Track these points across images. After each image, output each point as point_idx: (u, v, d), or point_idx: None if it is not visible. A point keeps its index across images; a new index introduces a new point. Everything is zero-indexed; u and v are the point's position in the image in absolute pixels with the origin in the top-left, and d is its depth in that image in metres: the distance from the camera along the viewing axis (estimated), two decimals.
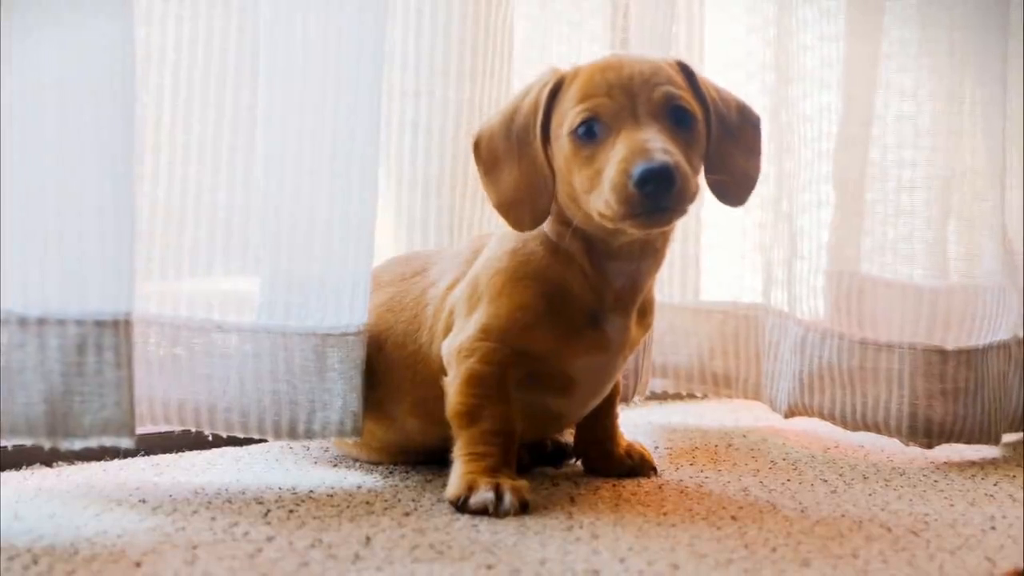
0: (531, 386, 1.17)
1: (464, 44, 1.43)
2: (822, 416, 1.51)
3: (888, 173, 1.52)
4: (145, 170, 1.21)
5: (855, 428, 1.49)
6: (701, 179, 1.15)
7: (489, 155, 1.17)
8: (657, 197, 1.03)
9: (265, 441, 1.36)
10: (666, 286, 1.67)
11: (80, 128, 1.03)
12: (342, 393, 1.20)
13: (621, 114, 1.08)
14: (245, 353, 1.19)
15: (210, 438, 1.30)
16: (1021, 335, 1.55)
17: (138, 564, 0.91)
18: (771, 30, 1.61)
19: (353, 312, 1.21)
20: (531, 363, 1.16)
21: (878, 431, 1.48)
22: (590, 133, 1.09)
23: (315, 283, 1.20)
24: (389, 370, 1.23)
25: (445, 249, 1.36)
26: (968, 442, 1.46)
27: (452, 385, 1.16)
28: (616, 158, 1.06)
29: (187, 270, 1.22)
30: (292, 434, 1.21)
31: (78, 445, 1.03)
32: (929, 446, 1.46)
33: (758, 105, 1.62)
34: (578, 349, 1.16)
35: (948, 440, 1.45)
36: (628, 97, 1.09)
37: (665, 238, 1.18)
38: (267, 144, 1.20)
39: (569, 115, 1.10)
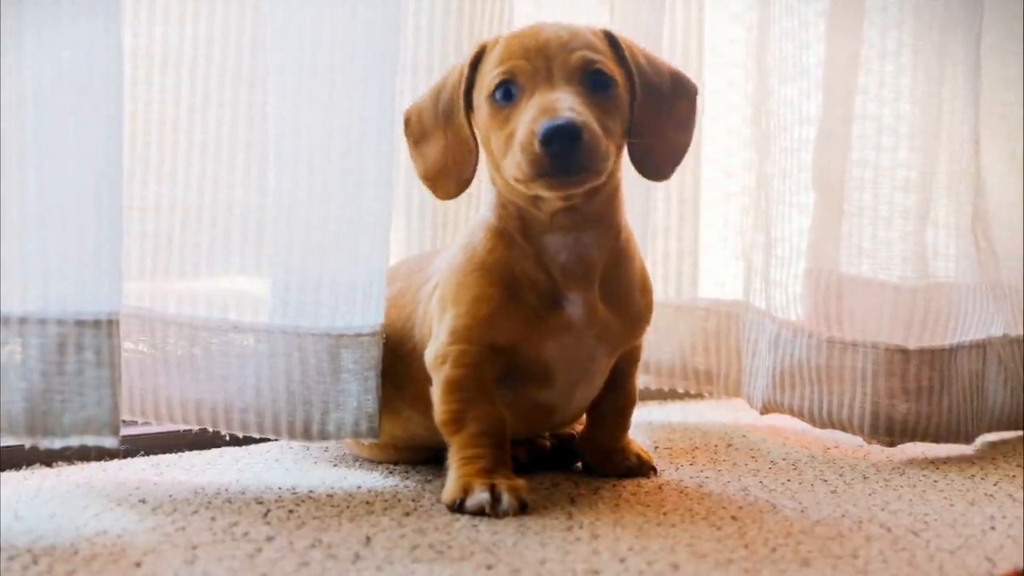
0: (512, 381, 1.17)
1: (447, 42, 1.43)
2: (792, 413, 1.52)
3: (864, 172, 1.52)
4: (163, 170, 1.22)
5: (823, 426, 1.49)
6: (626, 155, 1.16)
7: (419, 129, 1.20)
8: (563, 156, 1.04)
9: (268, 440, 1.36)
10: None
11: (63, 127, 1.03)
12: (356, 394, 1.20)
13: (536, 76, 1.10)
14: (261, 353, 1.20)
15: (212, 435, 1.30)
16: (1012, 334, 1.55)
17: (138, 564, 0.91)
18: (755, 33, 1.61)
19: (367, 312, 1.21)
20: (505, 356, 1.16)
21: (843, 429, 1.48)
22: (507, 96, 1.11)
23: (328, 282, 1.20)
24: (394, 364, 1.23)
25: (449, 247, 1.36)
26: (935, 441, 1.46)
27: (435, 394, 1.16)
28: (525, 118, 1.07)
29: (204, 269, 1.23)
30: (307, 435, 1.21)
31: (58, 444, 1.03)
32: (891, 444, 1.46)
33: (753, 100, 1.63)
34: (543, 333, 1.15)
35: (912, 439, 1.46)
36: (544, 60, 1.10)
37: (607, 207, 1.17)
38: (279, 142, 1.20)
39: (487, 79, 1.12)
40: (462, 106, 1.16)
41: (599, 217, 1.16)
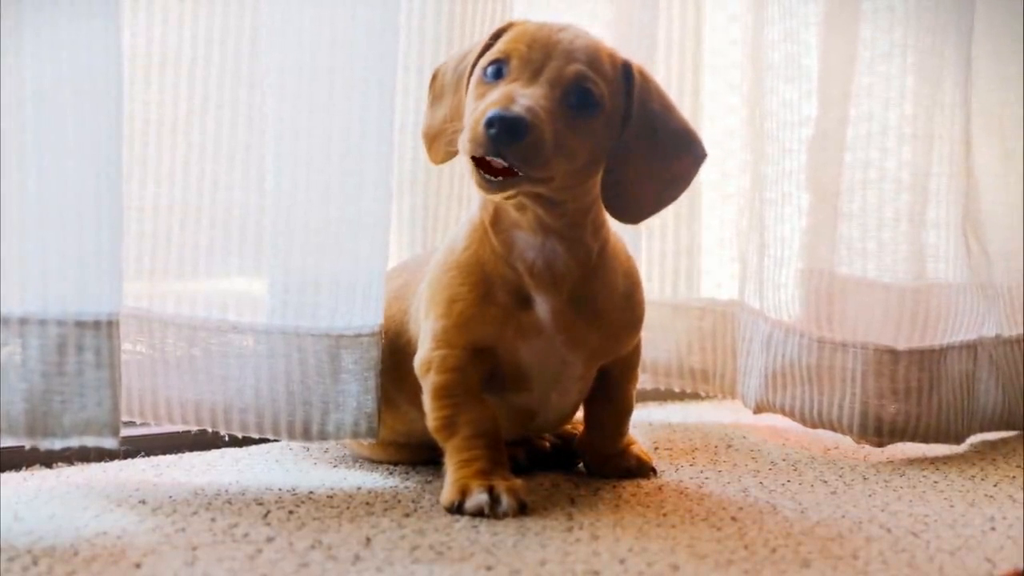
0: (493, 384, 1.17)
1: (439, 43, 1.43)
2: (784, 413, 1.52)
3: (857, 174, 1.52)
4: (162, 171, 1.22)
5: (813, 425, 1.50)
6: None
7: (439, 87, 1.20)
8: (497, 144, 1.03)
9: (268, 441, 1.36)
10: (647, 281, 1.65)
11: (63, 127, 1.03)
12: (356, 395, 1.21)
13: (527, 67, 1.09)
14: (260, 354, 1.20)
15: (212, 436, 1.30)
16: (1005, 335, 1.56)
17: (138, 565, 0.91)
18: (751, 34, 1.61)
19: (367, 313, 1.21)
20: (486, 358, 1.16)
21: (832, 429, 1.48)
22: (497, 74, 1.11)
23: (327, 283, 1.20)
24: (392, 358, 1.24)
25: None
26: (924, 441, 1.47)
27: (425, 402, 1.16)
28: (490, 98, 1.07)
29: (203, 270, 1.23)
30: (306, 435, 1.21)
31: (59, 445, 1.03)
32: (880, 444, 1.47)
33: (748, 101, 1.63)
34: (516, 331, 1.15)
35: (901, 439, 1.46)
36: (543, 57, 1.10)
37: (574, 224, 1.15)
38: (278, 143, 1.20)
39: (489, 54, 1.12)
40: (468, 74, 1.15)
41: (565, 233, 1.15)
